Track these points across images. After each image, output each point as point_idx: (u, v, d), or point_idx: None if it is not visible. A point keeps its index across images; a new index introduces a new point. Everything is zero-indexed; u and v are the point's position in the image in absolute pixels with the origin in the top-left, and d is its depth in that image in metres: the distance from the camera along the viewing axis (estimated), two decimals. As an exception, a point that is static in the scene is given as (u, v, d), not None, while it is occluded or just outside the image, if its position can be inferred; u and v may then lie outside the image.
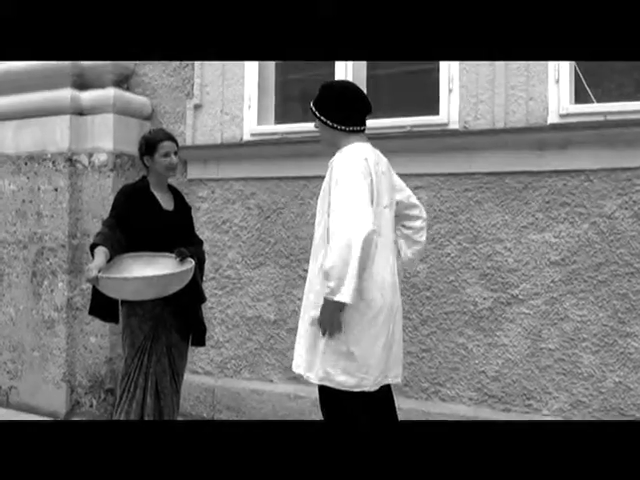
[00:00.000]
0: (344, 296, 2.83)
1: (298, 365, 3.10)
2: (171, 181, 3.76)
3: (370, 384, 2.99)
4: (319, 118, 3.13)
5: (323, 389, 3.04)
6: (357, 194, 2.88)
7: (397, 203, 3.23)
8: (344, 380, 2.95)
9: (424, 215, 3.35)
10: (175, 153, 3.60)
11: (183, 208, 3.75)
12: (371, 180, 2.97)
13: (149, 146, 3.56)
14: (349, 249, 2.79)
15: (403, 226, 3.28)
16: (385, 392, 3.14)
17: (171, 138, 3.62)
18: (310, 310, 3.04)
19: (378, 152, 3.18)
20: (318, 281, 3.01)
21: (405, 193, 3.29)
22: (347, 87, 3.23)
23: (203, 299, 3.72)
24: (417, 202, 3.34)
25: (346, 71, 4.49)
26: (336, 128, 3.10)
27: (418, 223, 3.30)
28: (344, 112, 3.10)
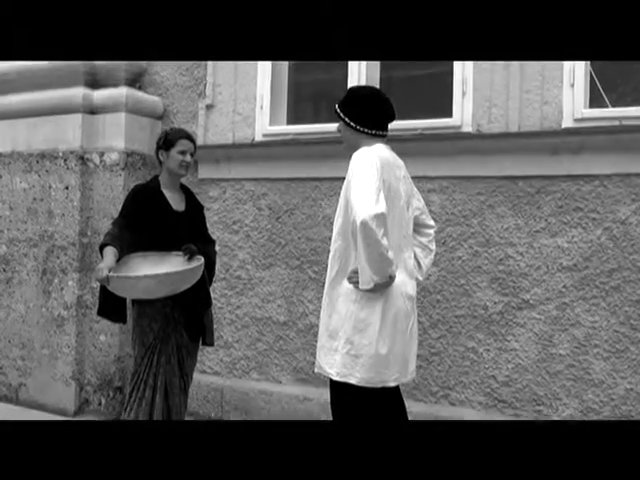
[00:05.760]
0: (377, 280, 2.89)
1: (320, 367, 3.10)
2: (182, 180, 3.74)
3: (392, 380, 3.00)
4: (343, 120, 3.14)
5: (338, 387, 3.02)
6: (369, 183, 2.88)
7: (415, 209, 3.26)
8: (368, 377, 2.94)
9: (434, 223, 3.39)
10: (191, 154, 3.60)
11: (195, 208, 3.73)
12: (383, 178, 2.96)
13: (168, 140, 3.57)
14: (371, 239, 2.80)
15: (418, 234, 3.28)
16: (395, 391, 3.14)
17: (191, 139, 3.64)
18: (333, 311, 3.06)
19: (397, 157, 3.17)
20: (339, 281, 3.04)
21: (421, 202, 3.32)
22: (373, 91, 3.26)
23: (209, 303, 3.70)
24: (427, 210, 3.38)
25: (359, 73, 4.46)
26: (359, 130, 3.11)
27: (432, 231, 3.33)
28: (368, 115, 3.10)
